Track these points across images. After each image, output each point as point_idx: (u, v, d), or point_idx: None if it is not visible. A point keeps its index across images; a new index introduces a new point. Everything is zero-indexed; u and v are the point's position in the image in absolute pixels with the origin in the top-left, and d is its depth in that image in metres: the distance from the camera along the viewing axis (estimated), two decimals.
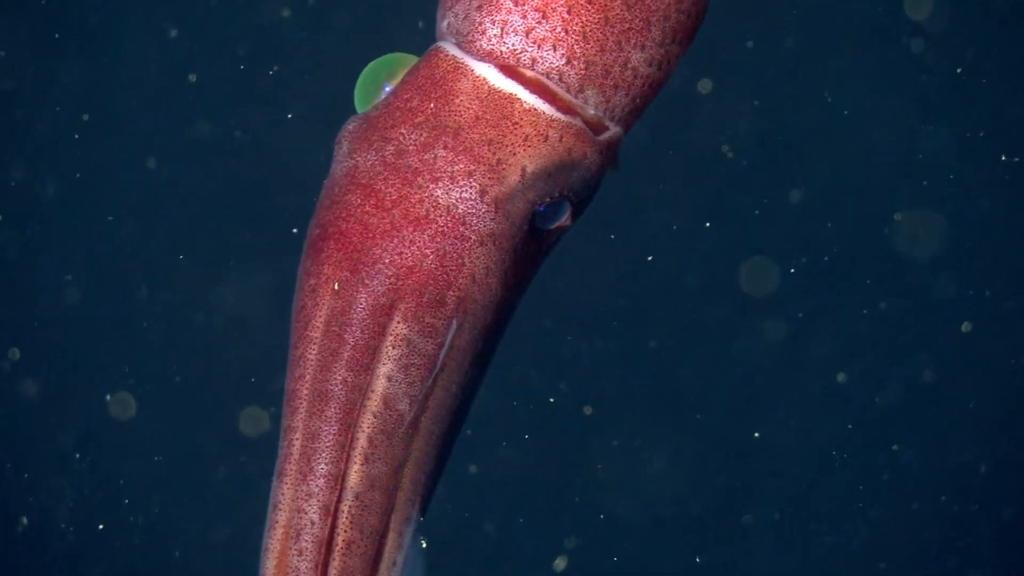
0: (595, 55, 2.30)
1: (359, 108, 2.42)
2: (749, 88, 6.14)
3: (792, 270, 6.19)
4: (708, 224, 6.20)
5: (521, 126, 2.25)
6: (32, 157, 6.23)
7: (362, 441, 2.13)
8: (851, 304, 6.26)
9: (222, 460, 6.28)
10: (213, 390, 6.20)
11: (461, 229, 2.20)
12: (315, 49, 6.06)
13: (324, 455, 2.12)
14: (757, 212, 6.19)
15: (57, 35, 6.16)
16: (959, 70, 6.03)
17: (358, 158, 2.27)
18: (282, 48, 6.12)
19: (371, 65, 2.44)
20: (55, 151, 6.21)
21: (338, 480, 2.12)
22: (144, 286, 6.26)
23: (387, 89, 2.40)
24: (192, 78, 6.12)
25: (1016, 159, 6.02)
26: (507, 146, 2.24)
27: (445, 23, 2.39)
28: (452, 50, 2.32)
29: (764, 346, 6.32)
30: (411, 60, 2.42)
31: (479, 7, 2.32)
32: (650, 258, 6.26)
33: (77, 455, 6.44)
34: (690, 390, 6.41)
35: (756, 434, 6.37)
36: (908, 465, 6.39)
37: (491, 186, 2.22)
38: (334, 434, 2.12)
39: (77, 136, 6.20)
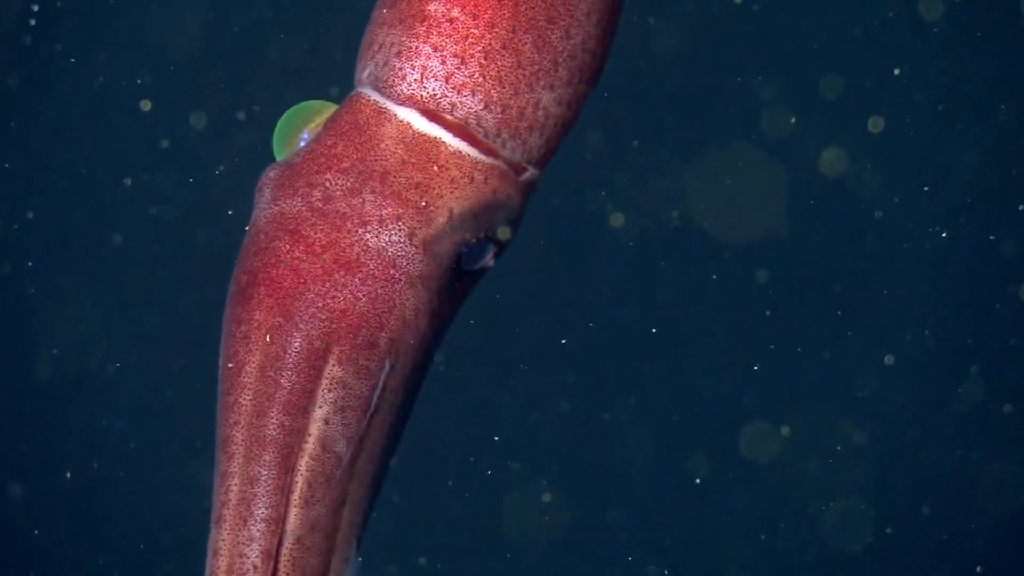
0: (511, 98, 2.36)
1: (277, 155, 2.45)
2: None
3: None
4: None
5: (447, 169, 2.30)
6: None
7: (301, 484, 2.15)
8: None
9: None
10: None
11: (392, 272, 2.24)
12: (239, 96, 6.08)
13: (264, 500, 2.14)
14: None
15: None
16: None
17: (283, 204, 2.29)
18: (206, 92, 6.15)
19: (288, 112, 2.47)
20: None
21: (278, 524, 2.14)
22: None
23: (305, 136, 2.43)
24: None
25: None
26: (434, 189, 2.29)
27: (366, 72, 2.43)
28: (374, 96, 2.36)
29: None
30: (328, 107, 2.46)
31: (398, 53, 2.37)
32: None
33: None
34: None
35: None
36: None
37: (419, 228, 2.26)
38: (273, 478, 2.14)
39: None
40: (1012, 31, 6.19)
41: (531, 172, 2.43)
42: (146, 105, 6.13)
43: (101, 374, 6.51)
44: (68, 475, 6.65)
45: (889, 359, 6.42)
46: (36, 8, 6.17)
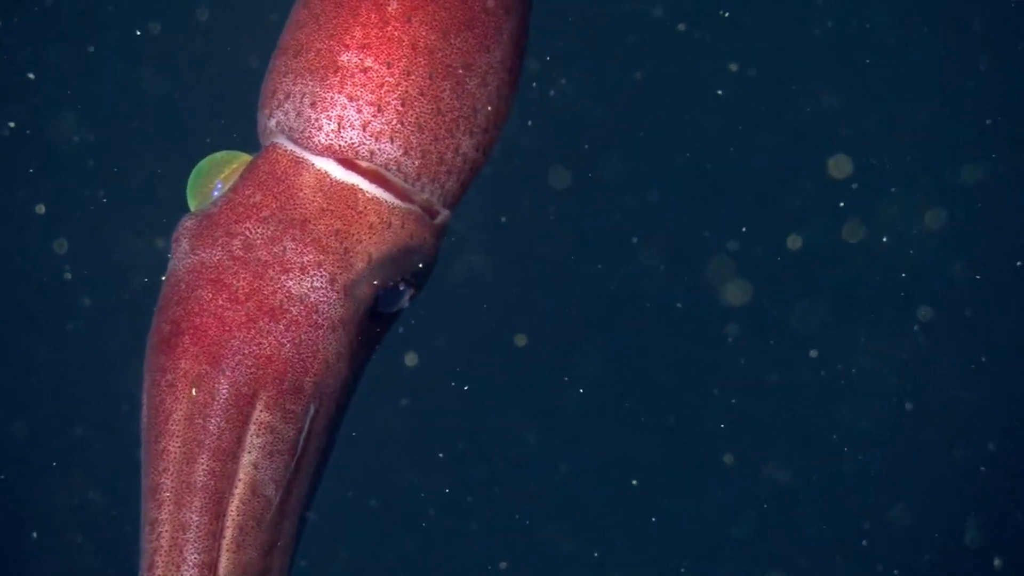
0: (430, 144, 2.42)
1: (192, 206, 2.47)
2: None
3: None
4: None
5: (365, 215, 2.35)
6: None
7: (232, 529, 2.18)
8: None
9: None
10: None
11: (314, 317, 2.28)
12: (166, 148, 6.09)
13: (196, 545, 2.17)
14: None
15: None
16: None
17: (203, 254, 2.32)
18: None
19: (201, 163, 2.50)
20: None
21: (212, 569, 2.17)
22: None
23: (219, 186, 2.46)
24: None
25: None
26: (353, 235, 2.34)
27: (273, 121, 2.46)
28: (289, 146, 2.40)
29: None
30: (239, 156, 2.49)
31: (313, 104, 2.41)
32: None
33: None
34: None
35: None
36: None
37: (340, 274, 2.31)
38: (205, 524, 2.17)
39: None
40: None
41: (444, 215, 2.49)
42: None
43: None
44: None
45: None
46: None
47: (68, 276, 6.30)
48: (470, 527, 6.74)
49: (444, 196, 2.47)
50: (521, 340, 6.29)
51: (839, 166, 6.18)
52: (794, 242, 6.30)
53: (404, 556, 6.77)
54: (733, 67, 6.28)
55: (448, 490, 6.68)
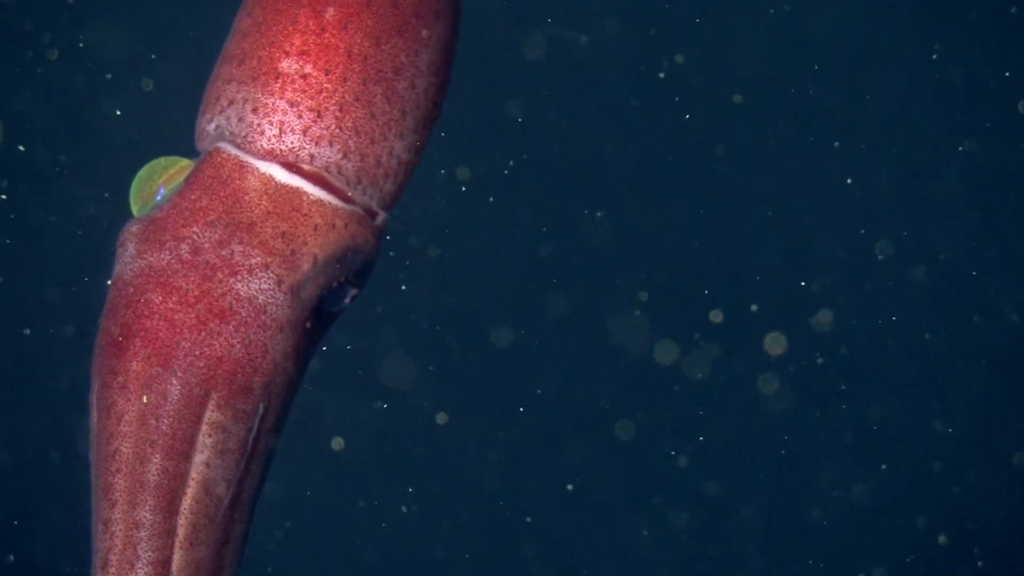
0: (367, 147, 2.49)
1: (136, 211, 2.51)
2: None
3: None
4: None
5: (310, 217, 2.41)
6: None
7: (185, 527, 2.23)
8: None
9: None
10: None
11: (263, 318, 2.33)
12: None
13: (149, 543, 2.21)
14: None
15: None
16: None
17: (150, 257, 2.36)
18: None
19: (144, 169, 2.53)
20: None
21: (165, 566, 2.21)
22: None
23: (162, 191, 2.51)
24: None
25: None
26: (299, 237, 2.39)
27: (213, 125, 2.50)
28: (233, 151, 2.45)
29: None
30: (180, 162, 2.53)
31: (255, 110, 2.46)
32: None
33: None
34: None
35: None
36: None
37: (287, 275, 2.36)
38: (159, 522, 2.21)
39: None
40: None
41: (383, 216, 2.56)
42: None
43: None
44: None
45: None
46: None
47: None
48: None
49: (383, 198, 2.54)
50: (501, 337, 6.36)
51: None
52: None
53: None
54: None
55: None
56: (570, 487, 6.75)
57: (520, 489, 6.75)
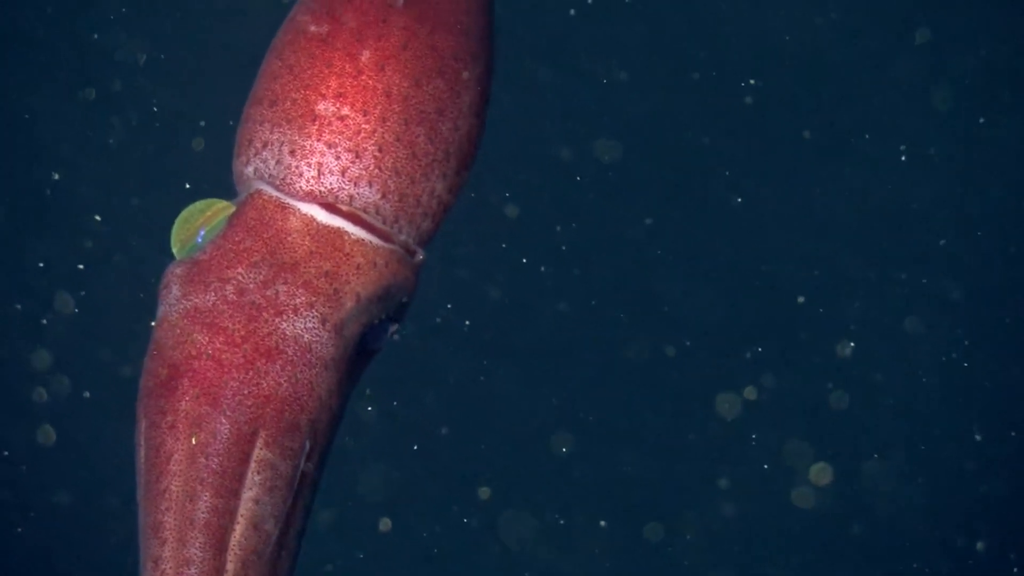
0: (407, 187, 2.53)
1: (177, 254, 2.55)
2: None
3: None
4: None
5: (352, 256, 2.46)
6: None
7: (235, 564, 2.27)
8: None
9: None
10: None
11: (308, 356, 2.38)
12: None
13: None
14: None
15: None
16: None
17: (196, 299, 2.40)
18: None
19: (184, 212, 2.57)
20: None
21: None
22: None
23: (202, 233, 2.55)
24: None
25: None
26: (342, 276, 2.44)
27: (251, 168, 2.55)
28: (273, 192, 2.50)
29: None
30: (219, 204, 2.57)
31: (292, 152, 2.51)
32: None
33: None
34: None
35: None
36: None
37: (331, 314, 2.41)
38: (209, 559, 2.25)
39: None
40: None
41: (421, 254, 2.60)
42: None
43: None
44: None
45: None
46: None
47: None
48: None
49: (420, 236, 2.58)
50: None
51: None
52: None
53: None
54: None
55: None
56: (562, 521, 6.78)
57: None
